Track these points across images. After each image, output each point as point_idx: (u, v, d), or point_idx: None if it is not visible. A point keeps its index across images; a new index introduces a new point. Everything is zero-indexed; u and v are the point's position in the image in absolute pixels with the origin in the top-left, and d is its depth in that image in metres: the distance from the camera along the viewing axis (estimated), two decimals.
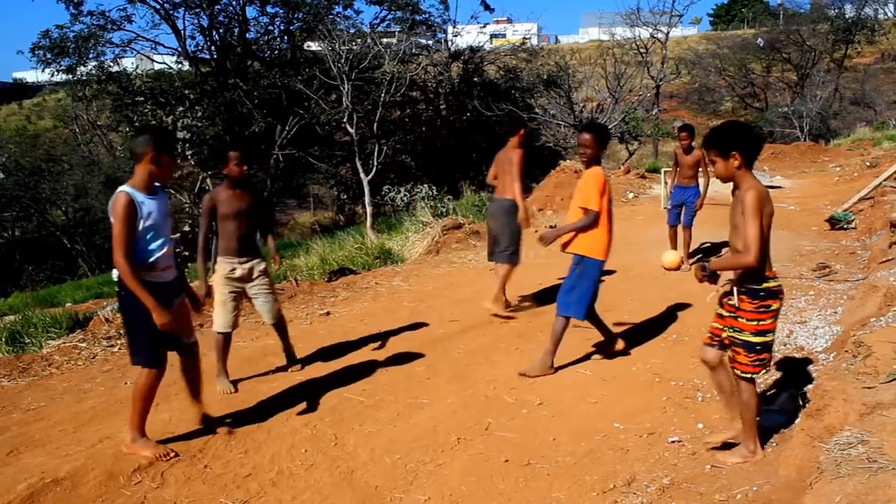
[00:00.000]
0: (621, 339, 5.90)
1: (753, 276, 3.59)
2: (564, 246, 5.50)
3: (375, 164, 19.34)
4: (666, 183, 13.92)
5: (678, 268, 7.19)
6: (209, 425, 4.59)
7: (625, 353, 5.81)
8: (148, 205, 4.05)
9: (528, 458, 4.17)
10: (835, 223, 10.68)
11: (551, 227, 7.78)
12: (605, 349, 5.80)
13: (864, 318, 5.25)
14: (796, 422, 4.07)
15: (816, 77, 36.62)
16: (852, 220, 10.60)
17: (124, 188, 4.02)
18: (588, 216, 5.29)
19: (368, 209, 18.36)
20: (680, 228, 8.96)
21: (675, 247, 8.86)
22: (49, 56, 26.96)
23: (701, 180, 8.76)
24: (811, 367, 5.10)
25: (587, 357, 5.80)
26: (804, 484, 3.03)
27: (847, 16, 41.21)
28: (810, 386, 4.49)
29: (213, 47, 28.71)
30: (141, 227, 4.01)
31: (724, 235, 4.37)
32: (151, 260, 4.07)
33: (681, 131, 8.92)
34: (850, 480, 2.62)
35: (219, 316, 5.35)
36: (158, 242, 4.11)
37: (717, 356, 3.87)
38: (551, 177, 16.58)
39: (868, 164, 17.11)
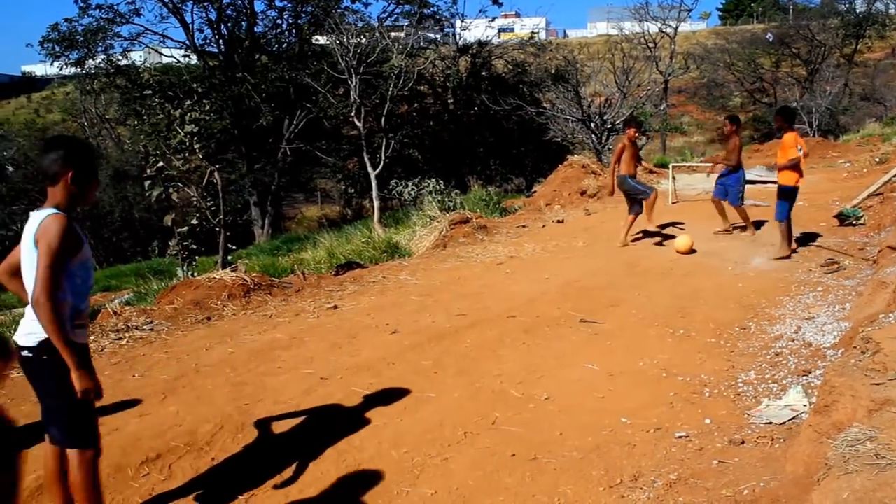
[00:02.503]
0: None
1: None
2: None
3: (383, 158, 19.31)
4: (673, 178, 13.90)
5: (690, 251, 9.32)
6: None
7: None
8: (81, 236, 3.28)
9: (535, 453, 4.17)
10: (843, 219, 10.62)
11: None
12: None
13: (873, 314, 5.22)
14: (804, 418, 4.06)
15: (826, 72, 36.37)
16: (861, 217, 10.54)
17: (54, 210, 3.17)
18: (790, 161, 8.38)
19: (376, 203, 18.34)
20: (726, 204, 10.21)
21: (723, 216, 10.31)
22: (58, 49, 27.01)
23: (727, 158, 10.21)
24: (819, 363, 5.09)
25: (595, 351, 5.81)
26: (812, 480, 3.02)
27: (857, 10, 40.94)
28: (818, 382, 4.48)
29: (221, 41, 28.71)
30: (77, 261, 3.25)
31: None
32: (82, 308, 3.32)
33: (730, 122, 10.27)
34: (858, 477, 2.61)
35: None
36: (90, 284, 3.38)
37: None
38: (559, 171, 16.53)
39: (877, 159, 17.00)
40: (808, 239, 9.58)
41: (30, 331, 3.17)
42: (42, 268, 3.04)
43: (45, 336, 3.09)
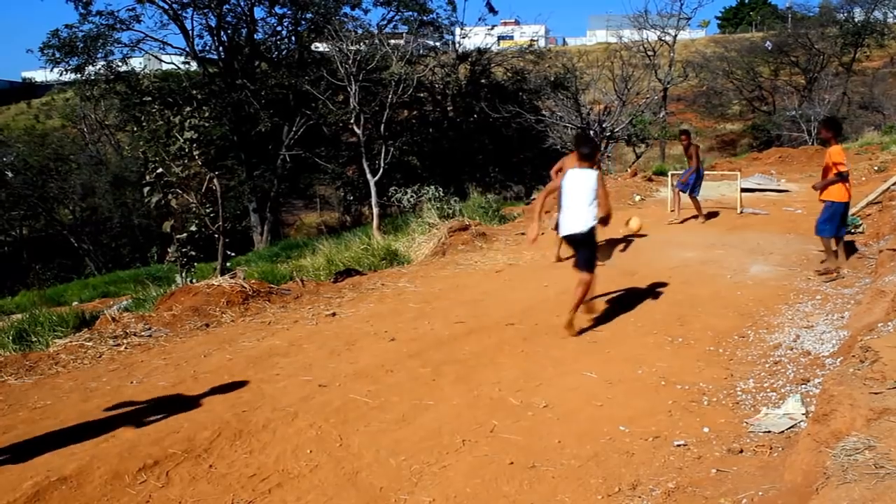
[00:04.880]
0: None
1: None
2: (820, 194, 8.21)
3: (382, 165, 19.36)
4: (673, 185, 13.93)
5: (638, 230, 11.10)
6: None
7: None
8: None
9: (533, 461, 4.16)
10: None
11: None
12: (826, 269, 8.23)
13: (872, 322, 5.22)
14: (802, 427, 4.06)
15: (825, 81, 36.47)
16: (860, 225, 10.56)
17: (596, 171, 6.39)
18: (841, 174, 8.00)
19: (375, 210, 18.38)
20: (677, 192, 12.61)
21: (678, 207, 12.61)
22: (58, 55, 27.12)
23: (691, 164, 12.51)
24: (818, 372, 5.09)
25: (594, 359, 5.81)
26: (810, 489, 3.02)
27: (856, 19, 41.08)
28: (817, 391, 4.47)
29: (220, 48, 28.80)
30: None
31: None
32: None
33: (682, 134, 13.18)
34: (857, 486, 2.61)
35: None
36: None
37: None
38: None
39: (876, 168, 17.05)
40: (807, 247, 9.59)
41: (586, 221, 6.27)
42: (605, 197, 6.37)
43: (592, 224, 6.28)
